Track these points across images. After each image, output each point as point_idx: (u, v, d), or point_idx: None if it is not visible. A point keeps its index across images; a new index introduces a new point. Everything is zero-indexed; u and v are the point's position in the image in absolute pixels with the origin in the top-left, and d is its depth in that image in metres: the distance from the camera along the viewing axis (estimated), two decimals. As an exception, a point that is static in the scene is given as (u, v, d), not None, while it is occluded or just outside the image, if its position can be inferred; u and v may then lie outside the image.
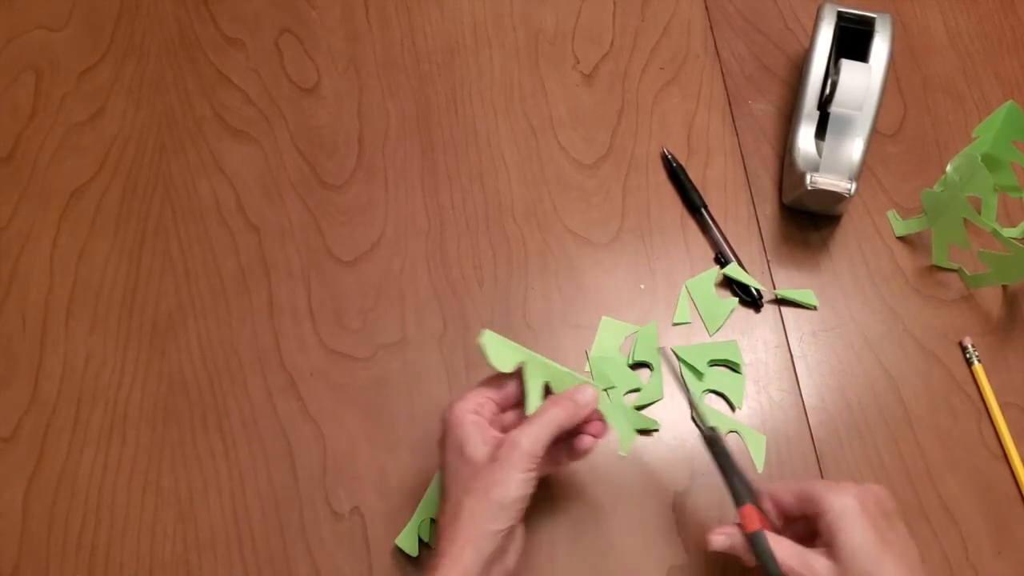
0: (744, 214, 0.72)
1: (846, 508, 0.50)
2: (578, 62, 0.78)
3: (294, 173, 0.73)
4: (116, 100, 0.75)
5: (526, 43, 0.79)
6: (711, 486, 0.62)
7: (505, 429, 0.54)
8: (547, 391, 0.56)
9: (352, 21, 0.79)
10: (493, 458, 0.50)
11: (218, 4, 0.80)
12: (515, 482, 0.50)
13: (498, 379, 0.55)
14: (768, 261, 0.70)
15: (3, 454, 0.63)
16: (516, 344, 0.55)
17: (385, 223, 0.71)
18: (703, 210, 0.71)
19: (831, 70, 0.70)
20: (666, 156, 0.73)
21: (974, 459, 0.64)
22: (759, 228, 0.71)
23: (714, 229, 0.70)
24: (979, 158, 0.62)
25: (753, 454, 0.63)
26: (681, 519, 0.62)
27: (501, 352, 0.54)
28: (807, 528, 0.52)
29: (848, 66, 0.67)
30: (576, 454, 0.56)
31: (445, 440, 0.53)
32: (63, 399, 0.65)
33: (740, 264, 0.69)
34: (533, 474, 0.51)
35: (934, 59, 0.78)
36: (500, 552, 0.51)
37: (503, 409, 0.56)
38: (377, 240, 0.70)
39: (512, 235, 0.71)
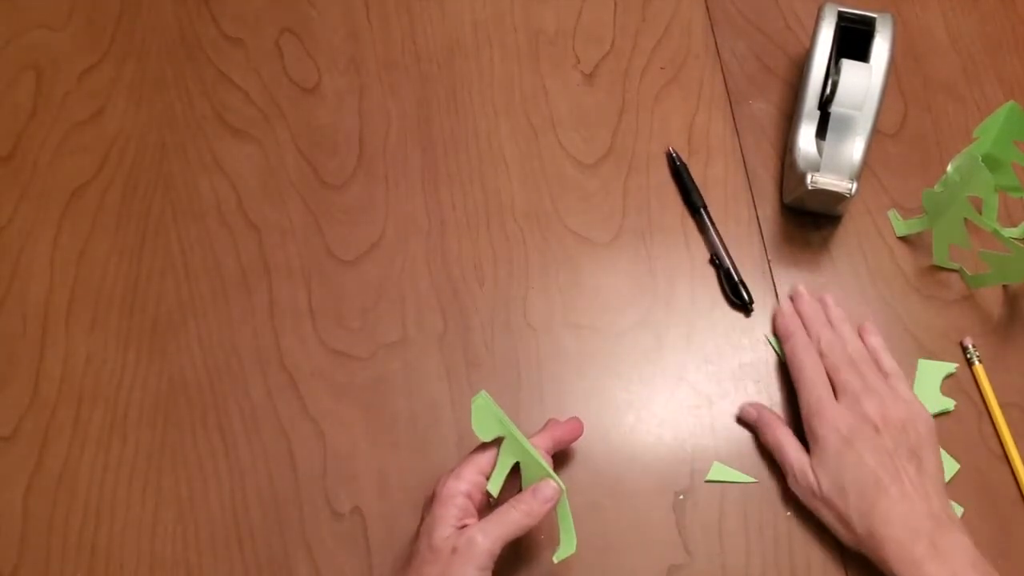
0: (745, 214, 0.72)
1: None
2: (579, 62, 0.78)
3: (295, 173, 0.73)
4: (117, 99, 0.75)
5: (527, 43, 0.79)
6: (711, 486, 0.62)
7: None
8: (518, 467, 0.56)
9: (353, 21, 0.79)
10: (453, 549, 0.52)
11: (219, 4, 0.80)
12: None
13: (492, 454, 0.56)
14: (769, 261, 0.70)
15: (3, 454, 0.63)
16: (504, 417, 0.56)
17: (385, 223, 0.71)
18: (702, 210, 0.71)
19: (832, 70, 0.70)
20: (671, 155, 0.73)
21: (975, 460, 0.64)
22: (760, 228, 0.71)
23: (711, 230, 0.70)
24: (980, 158, 0.62)
25: None
26: (681, 519, 0.62)
27: (486, 420, 0.55)
28: None
29: (849, 66, 0.67)
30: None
31: (430, 509, 0.54)
32: (63, 398, 0.65)
33: (734, 266, 0.69)
34: (487, 572, 0.52)
35: (935, 59, 0.78)
36: None
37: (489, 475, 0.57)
38: (378, 240, 0.70)
39: (512, 235, 0.71)
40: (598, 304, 0.69)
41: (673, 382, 0.66)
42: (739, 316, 0.68)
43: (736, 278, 0.68)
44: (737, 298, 0.68)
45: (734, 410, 0.65)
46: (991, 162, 0.65)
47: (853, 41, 0.72)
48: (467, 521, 0.54)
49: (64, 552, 0.60)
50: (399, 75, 0.77)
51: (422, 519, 0.55)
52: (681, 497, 0.62)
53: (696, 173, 0.72)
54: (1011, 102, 0.64)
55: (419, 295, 0.69)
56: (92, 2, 0.79)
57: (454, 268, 0.69)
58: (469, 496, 0.55)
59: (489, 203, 0.72)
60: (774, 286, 0.69)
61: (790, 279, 0.69)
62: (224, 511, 0.62)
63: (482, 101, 0.76)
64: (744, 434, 0.64)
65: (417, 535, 0.54)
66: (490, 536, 0.52)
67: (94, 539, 0.61)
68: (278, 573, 0.60)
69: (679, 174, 0.72)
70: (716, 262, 0.70)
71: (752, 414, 0.63)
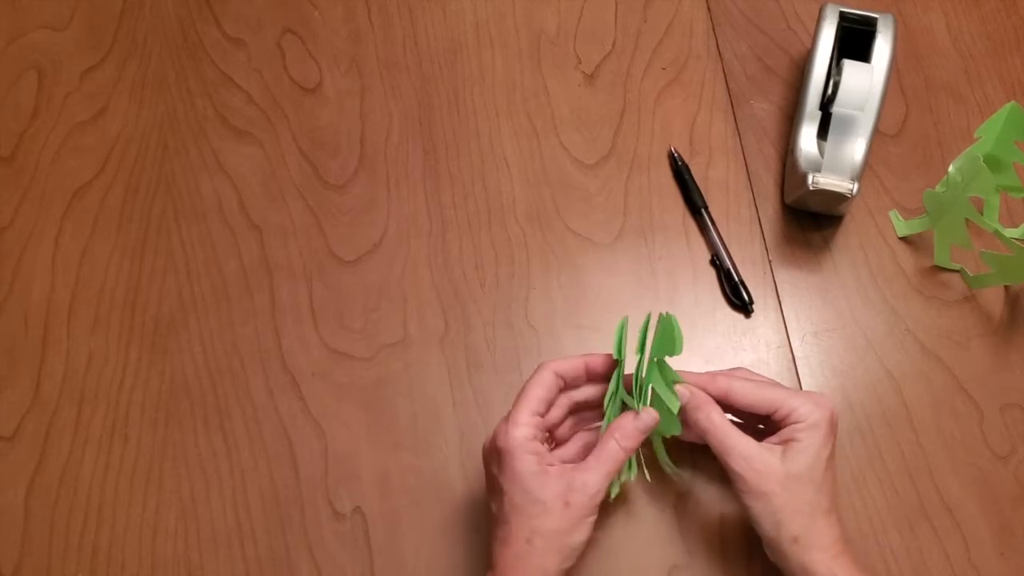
0: (746, 214, 0.72)
1: (820, 423, 0.53)
2: (580, 62, 0.78)
3: (296, 173, 0.73)
4: (118, 100, 0.75)
5: (528, 43, 0.79)
6: (713, 486, 0.62)
7: (549, 429, 0.57)
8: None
9: (354, 21, 0.79)
10: (566, 503, 0.52)
11: (220, 4, 0.80)
12: (587, 526, 0.53)
13: (544, 387, 0.56)
14: (770, 261, 0.70)
15: (5, 454, 0.63)
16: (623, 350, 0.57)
17: (387, 223, 0.71)
18: (703, 211, 0.71)
19: (833, 70, 0.70)
20: (673, 155, 0.73)
21: (976, 460, 0.64)
22: (761, 228, 0.71)
23: (712, 230, 0.70)
24: (981, 158, 0.62)
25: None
26: (683, 519, 0.62)
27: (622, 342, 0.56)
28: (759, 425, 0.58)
29: (850, 66, 0.67)
30: None
31: (502, 468, 0.53)
32: (65, 399, 0.65)
33: (734, 267, 0.69)
34: (596, 514, 0.53)
35: (936, 59, 0.78)
36: None
37: (544, 414, 0.56)
38: (379, 240, 0.70)
39: (514, 235, 0.71)
40: (599, 304, 0.69)
41: (674, 382, 0.66)
42: (740, 317, 0.68)
43: (736, 279, 0.68)
44: (737, 299, 0.68)
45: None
46: (992, 162, 0.65)
47: (854, 41, 0.72)
48: (548, 462, 0.53)
49: (66, 552, 0.60)
50: (400, 75, 0.77)
51: (498, 483, 0.53)
52: (683, 497, 0.62)
53: (697, 173, 0.73)
54: (1012, 102, 0.64)
55: (420, 295, 0.69)
56: (94, 3, 0.79)
57: (455, 268, 0.70)
58: (535, 438, 0.54)
59: (490, 203, 0.72)
60: (775, 287, 0.69)
61: (791, 279, 0.70)
62: (225, 511, 0.62)
63: (483, 101, 0.76)
64: (745, 434, 0.64)
65: (504, 499, 0.53)
66: (599, 482, 0.53)
67: (95, 539, 0.61)
68: (279, 573, 0.60)
69: (680, 174, 0.73)
70: (717, 262, 0.70)
71: (685, 395, 0.55)
